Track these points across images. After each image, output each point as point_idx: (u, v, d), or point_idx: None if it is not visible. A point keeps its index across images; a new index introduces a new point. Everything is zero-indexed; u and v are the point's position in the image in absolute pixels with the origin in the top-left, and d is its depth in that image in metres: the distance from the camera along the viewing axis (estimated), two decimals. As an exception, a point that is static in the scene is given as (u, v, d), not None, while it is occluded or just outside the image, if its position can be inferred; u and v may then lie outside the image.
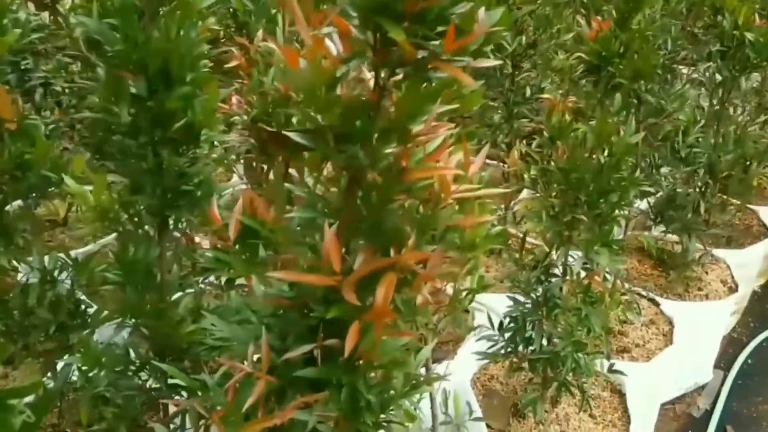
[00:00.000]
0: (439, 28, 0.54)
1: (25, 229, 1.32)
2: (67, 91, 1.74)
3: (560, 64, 1.77)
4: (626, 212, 1.40)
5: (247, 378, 0.71)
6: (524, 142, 2.21)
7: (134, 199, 0.99)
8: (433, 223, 0.70)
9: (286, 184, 0.73)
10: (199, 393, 0.77)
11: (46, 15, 2.96)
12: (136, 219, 1.00)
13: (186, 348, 1.05)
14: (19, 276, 1.44)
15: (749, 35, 1.78)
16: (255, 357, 0.77)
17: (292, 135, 0.63)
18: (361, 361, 0.72)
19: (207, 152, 1.02)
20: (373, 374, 0.75)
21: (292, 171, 1.13)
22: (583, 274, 1.52)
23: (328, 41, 0.60)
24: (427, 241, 0.70)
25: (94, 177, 0.97)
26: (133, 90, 0.91)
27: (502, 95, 1.92)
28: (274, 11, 1.56)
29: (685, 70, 2.35)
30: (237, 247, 0.79)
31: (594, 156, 1.36)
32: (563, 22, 1.83)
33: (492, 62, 0.58)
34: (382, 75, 0.60)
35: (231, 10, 1.40)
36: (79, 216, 2.26)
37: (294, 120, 1.24)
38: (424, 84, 0.58)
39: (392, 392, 0.74)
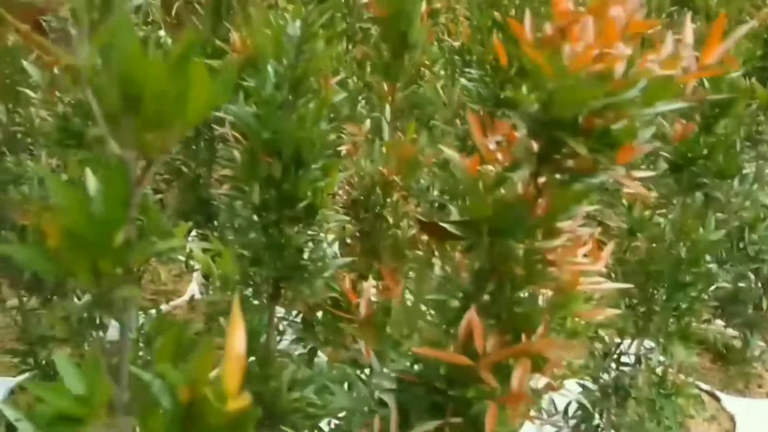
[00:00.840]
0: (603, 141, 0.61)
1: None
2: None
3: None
4: (703, 306, 1.42)
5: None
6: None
7: (253, 270, 1.06)
8: (563, 312, 0.75)
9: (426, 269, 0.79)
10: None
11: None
12: (253, 289, 1.06)
13: (287, 414, 1.09)
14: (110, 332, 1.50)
15: (817, 139, 1.83)
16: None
17: (448, 226, 0.70)
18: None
19: (321, 230, 1.09)
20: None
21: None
22: (658, 364, 1.53)
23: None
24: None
25: (219, 248, 1.04)
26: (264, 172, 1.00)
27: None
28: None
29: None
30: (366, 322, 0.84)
31: (673, 250, 1.40)
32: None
33: (647, 174, 0.64)
34: (541, 179, 0.66)
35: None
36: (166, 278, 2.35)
37: (394, 198, 1.31)
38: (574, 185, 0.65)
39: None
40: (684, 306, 1.41)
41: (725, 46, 0.61)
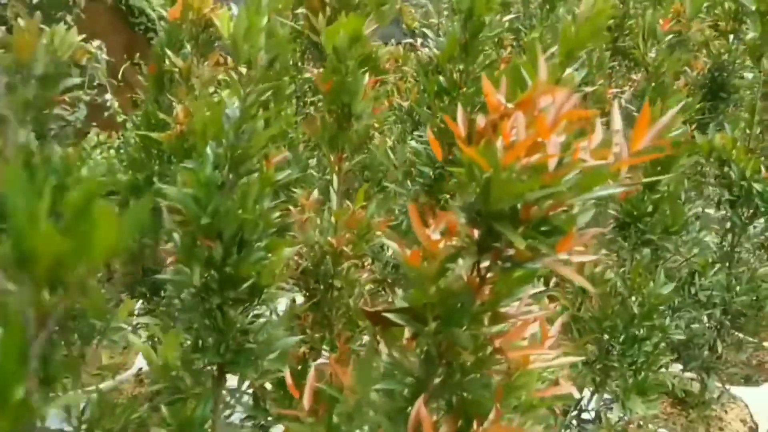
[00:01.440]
0: (544, 229, 0.60)
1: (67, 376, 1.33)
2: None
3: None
4: (660, 359, 1.42)
5: None
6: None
7: (196, 357, 1.02)
8: (516, 394, 0.73)
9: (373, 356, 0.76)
10: None
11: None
12: (195, 376, 1.02)
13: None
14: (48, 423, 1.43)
15: (757, 186, 1.88)
16: None
17: (392, 315, 0.68)
18: None
19: (268, 310, 1.06)
20: None
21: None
22: (618, 419, 1.52)
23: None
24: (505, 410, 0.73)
25: (162, 336, 1.00)
26: (205, 254, 0.97)
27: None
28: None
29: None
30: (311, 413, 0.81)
31: (625, 305, 1.41)
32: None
33: (590, 257, 0.64)
34: (483, 265, 0.65)
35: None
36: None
37: (345, 267, 1.29)
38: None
39: None
40: (640, 360, 1.41)
41: (655, 129, 0.61)
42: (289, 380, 0.82)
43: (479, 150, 0.57)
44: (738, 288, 2.17)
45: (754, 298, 2.22)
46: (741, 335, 2.33)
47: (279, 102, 1.42)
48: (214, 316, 0.99)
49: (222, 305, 0.99)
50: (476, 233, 0.63)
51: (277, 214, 1.03)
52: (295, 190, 1.54)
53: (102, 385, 2.23)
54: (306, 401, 0.80)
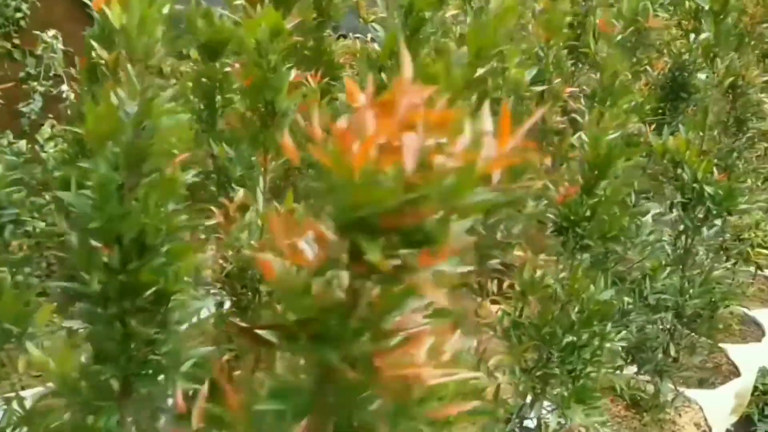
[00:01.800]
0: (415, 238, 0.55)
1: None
2: (38, 230, 1.73)
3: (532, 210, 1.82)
4: (599, 369, 1.39)
5: None
6: (496, 282, 2.23)
7: (98, 369, 0.96)
8: (407, 418, 0.69)
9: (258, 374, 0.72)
10: None
11: (23, 143, 2.99)
12: (97, 390, 0.96)
13: None
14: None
15: (708, 188, 1.86)
16: None
17: (264, 333, 0.63)
18: None
19: (177, 318, 1.00)
20: None
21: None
22: (559, 427, 1.49)
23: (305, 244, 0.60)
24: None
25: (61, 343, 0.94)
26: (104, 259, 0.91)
27: (476, 235, 1.95)
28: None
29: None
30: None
31: (565, 311, 1.37)
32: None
33: (466, 268, 0.59)
34: (356, 280, 0.60)
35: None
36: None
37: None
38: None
39: None
40: (579, 368, 1.37)
41: (520, 132, 0.57)
42: (179, 399, 0.77)
43: (329, 152, 0.52)
44: (692, 290, 2.16)
45: (709, 300, 2.21)
46: (695, 338, 2.31)
47: (204, 98, 1.36)
48: (115, 327, 0.93)
49: (123, 314, 0.93)
50: (347, 246, 0.59)
51: (186, 216, 0.97)
52: (237, 189, 1.49)
53: (30, 392, 2.15)
54: (195, 421, 0.75)
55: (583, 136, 1.25)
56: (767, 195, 2.81)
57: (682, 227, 2.02)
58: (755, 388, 2.95)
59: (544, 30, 2.26)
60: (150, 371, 0.96)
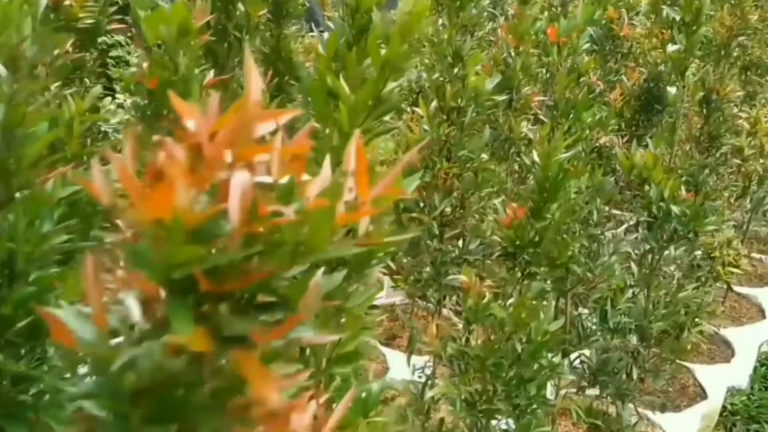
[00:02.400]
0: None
1: None
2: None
3: (488, 227, 1.72)
4: (548, 406, 1.29)
5: None
6: (454, 299, 2.13)
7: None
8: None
9: None
10: None
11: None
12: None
13: None
14: None
15: (675, 208, 1.77)
16: None
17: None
18: None
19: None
20: None
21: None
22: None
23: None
24: None
25: None
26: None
27: (430, 254, 1.86)
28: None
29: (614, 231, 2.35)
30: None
31: (511, 342, 1.27)
32: (493, 185, 1.80)
33: (309, 333, 0.47)
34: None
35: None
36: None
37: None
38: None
39: None
40: (523, 404, 1.28)
41: (387, 180, 0.46)
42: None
43: (140, 196, 0.40)
44: (657, 312, 2.07)
45: (674, 322, 2.12)
46: (659, 361, 2.23)
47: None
48: (-22, 362, 0.81)
49: (-12, 349, 0.81)
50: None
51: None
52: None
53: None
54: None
55: (535, 155, 1.15)
56: (738, 213, 2.74)
57: (647, 246, 1.93)
58: (724, 408, 2.88)
59: (513, 36, 2.16)
60: (22, 413, 0.85)
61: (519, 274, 1.20)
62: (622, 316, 1.88)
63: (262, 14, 1.79)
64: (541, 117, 2.17)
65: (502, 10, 3.08)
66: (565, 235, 1.16)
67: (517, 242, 1.14)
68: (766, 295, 3.29)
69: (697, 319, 2.27)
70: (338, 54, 1.42)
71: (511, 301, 1.28)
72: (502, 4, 2.98)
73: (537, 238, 1.13)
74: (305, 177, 0.47)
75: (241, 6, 1.64)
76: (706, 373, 2.72)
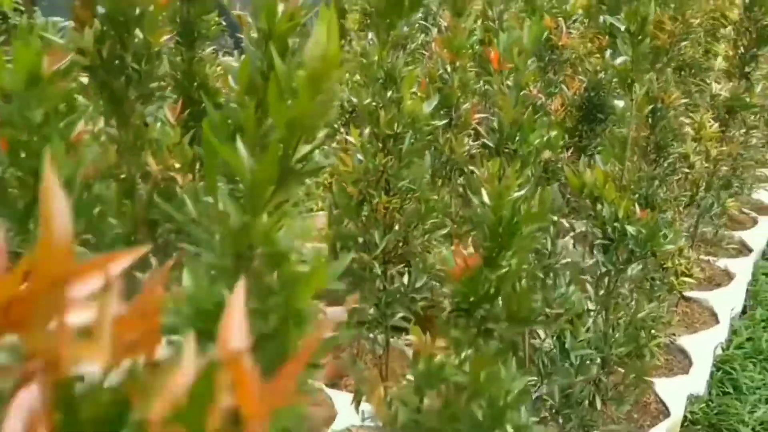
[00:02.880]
0: None
1: None
2: None
3: (435, 261, 1.56)
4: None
5: None
6: (403, 339, 1.97)
7: None
8: None
9: None
10: None
11: None
12: None
13: None
14: None
15: (631, 228, 1.65)
16: None
17: None
18: None
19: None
20: None
21: None
22: None
23: None
24: None
25: None
26: None
27: (373, 295, 1.69)
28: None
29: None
30: None
31: (470, 408, 1.11)
32: (437, 215, 1.64)
33: None
34: None
35: None
36: None
37: None
38: None
39: None
40: (489, 478, 1.11)
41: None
42: None
43: None
44: (617, 335, 1.96)
45: (635, 345, 2.02)
46: (623, 388, 2.12)
47: None
48: None
49: None
50: None
51: None
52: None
53: None
54: None
55: (484, 196, 1.00)
56: (689, 223, 2.67)
57: (604, 269, 1.81)
58: (684, 417, 2.80)
59: (448, 50, 2.02)
60: None
61: (474, 331, 1.04)
62: (585, 346, 1.76)
63: (168, 38, 1.58)
64: (483, 135, 2.04)
65: (434, 21, 2.94)
66: (523, 283, 1.01)
67: (471, 298, 0.98)
68: (716, 297, 3.25)
69: (653, 332, 2.17)
70: (252, 85, 1.22)
71: (466, 360, 1.12)
72: (434, 14, 2.84)
73: (493, 291, 0.98)
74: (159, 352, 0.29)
75: (139, 32, 1.44)
76: (666, 387, 2.63)
